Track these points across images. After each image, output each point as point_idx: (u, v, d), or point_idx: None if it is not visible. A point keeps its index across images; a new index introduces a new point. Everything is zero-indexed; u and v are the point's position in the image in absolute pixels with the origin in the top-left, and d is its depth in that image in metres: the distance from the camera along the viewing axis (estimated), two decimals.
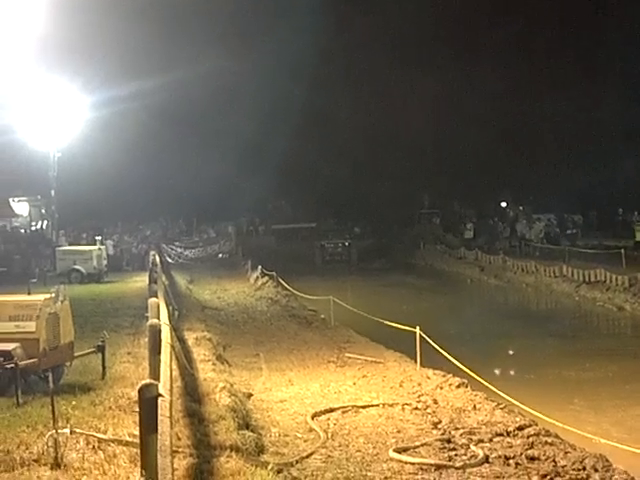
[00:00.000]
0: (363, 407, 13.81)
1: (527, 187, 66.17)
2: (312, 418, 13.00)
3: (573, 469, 10.18)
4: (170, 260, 54.61)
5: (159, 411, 7.28)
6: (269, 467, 9.44)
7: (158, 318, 12.52)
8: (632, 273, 31.35)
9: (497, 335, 25.17)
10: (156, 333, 10.88)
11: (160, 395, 7.57)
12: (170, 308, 20.22)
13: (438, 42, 68.90)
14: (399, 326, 18.64)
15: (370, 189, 66.96)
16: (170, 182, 65.99)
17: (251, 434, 11.32)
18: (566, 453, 10.81)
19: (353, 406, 13.82)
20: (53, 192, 42.63)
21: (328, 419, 13.10)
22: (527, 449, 11.05)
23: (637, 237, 41.53)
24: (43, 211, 43.54)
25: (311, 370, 17.78)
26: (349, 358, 19.04)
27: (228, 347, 20.81)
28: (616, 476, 9.90)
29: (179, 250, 61.87)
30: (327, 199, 67.83)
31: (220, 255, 60.03)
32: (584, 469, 10.16)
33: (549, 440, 11.45)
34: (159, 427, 7.07)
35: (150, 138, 60.87)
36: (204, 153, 63.95)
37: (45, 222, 43.59)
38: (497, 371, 19.65)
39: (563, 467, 10.28)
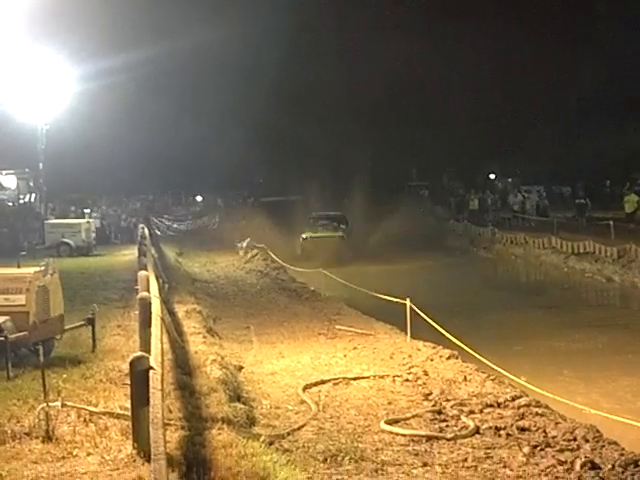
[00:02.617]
0: (354, 379, 13.80)
1: (514, 160, 66.26)
2: (303, 390, 13.00)
3: (564, 440, 10.19)
4: (159, 233, 54.46)
5: (150, 384, 7.27)
6: (261, 439, 9.48)
7: (148, 291, 12.49)
8: (621, 244, 31.43)
9: (486, 307, 25.20)
10: (146, 306, 10.88)
11: (151, 368, 7.56)
12: (160, 281, 20.18)
13: (428, 10, 68.62)
14: (389, 298, 18.63)
15: (358, 161, 66.77)
16: (158, 154, 65.76)
17: (242, 406, 11.33)
18: (557, 424, 10.83)
19: (344, 378, 13.81)
20: (41, 165, 42.37)
21: (319, 391, 13.09)
22: (518, 420, 11.07)
23: (627, 209, 41.34)
24: (31, 184, 43.21)
25: (301, 342, 17.76)
26: (339, 330, 18.99)
27: (218, 320, 20.77)
28: (606, 447, 9.93)
29: (168, 223, 61.78)
30: (315, 171, 67.68)
31: (213, 224, 59.91)
32: (575, 440, 10.18)
33: (539, 411, 11.47)
34: (151, 400, 7.07)
35: (138, 110, 60.72)
36: (192, 125, 63.73)
37: (33, 195, 43.31)
38: (487, 343, 19.64)
39: (554, 438, 10.29)
